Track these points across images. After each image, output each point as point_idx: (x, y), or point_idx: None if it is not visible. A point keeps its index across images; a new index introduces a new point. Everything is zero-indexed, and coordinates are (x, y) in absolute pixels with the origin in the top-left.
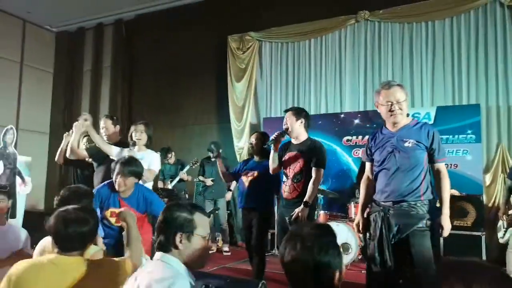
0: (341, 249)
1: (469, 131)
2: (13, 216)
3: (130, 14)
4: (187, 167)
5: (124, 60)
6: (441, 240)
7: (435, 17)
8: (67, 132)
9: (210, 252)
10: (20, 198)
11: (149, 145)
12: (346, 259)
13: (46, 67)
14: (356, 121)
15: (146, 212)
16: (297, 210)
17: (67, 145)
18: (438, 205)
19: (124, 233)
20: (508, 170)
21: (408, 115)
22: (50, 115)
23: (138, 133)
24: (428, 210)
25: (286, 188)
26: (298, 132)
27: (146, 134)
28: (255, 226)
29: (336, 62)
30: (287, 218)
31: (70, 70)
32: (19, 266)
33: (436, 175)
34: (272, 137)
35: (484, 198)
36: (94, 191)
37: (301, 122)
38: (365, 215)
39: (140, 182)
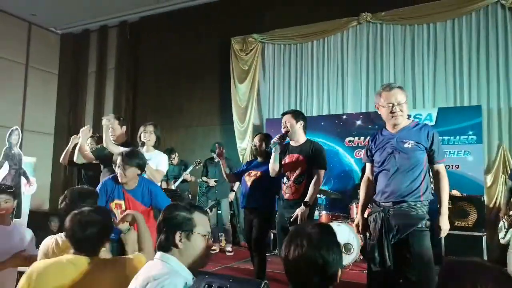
0: (343, 249)
1: (471, 132)
2: (18, 216)
3: (134, 16)
4: (190, 168)
5: (128, 62)
6: (442, 240)
7: (436, 19)
8: (74, 135)
9: (213, 252)
10: (25, 198)
11: (157, 146)
12: (348, 259)
13: (51, 68)
14: (358, 122)
15: (151, 205)
16: (297, 210)
17: (73, 148)
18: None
19: (122, 234)
20: (509, 171)
21: (409, 116)
22: (55, 116)
23: (147, 134)
24: (427, 211)
25: (287, 190)
26: (298, 134)
27: (155, 135)
28: (256, 225)
29: (338, 63)
30: (287, 218)
31: (75, 71)
32: (40, 265)
33: (435, 176)
34: (273, 140)
35: (485, 198)
36: (99, 186)
37: (300, 124)
38: (365, 216)
39: None
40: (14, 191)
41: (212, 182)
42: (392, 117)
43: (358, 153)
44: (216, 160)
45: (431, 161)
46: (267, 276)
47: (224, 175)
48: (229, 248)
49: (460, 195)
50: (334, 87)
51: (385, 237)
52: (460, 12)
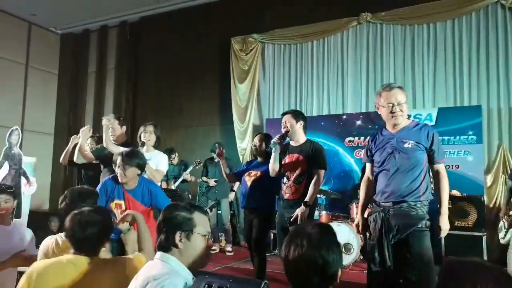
0: (343, 249)
1: (471, 132)
2: (18, 216)
3: (134, 16)
4: (190, 168)
5: (128, 62)
6: (442, 240)
7: (436, 19)
8: (74, 135)
9: (213, 252)
10: (25, 198)
11: (157, 146)
12: (348, 259)
13: (51, 68)
14: (358, 122)
15: (151, 205)
16: (297, 210)
17: (73, 148)
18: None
19: (122, 234)
20: (509, 171)
21: (409, 116)
22: (55, 116)
23: (147, 134)
24: (427, 211)
25: (287, 190)
26: (298, 134)
27: (155, 135)
28: (256, 225)
29: (338, 63)
30: (287, 218)
31: (75, 71)
32: (40, 265)
33: (435, 176)
34: (273, 140)
35: (485, 198)
36: (99, 186)
37: (300, 124)
38: (365, 216)
39: None
40: (14, 191)
41: (212, 182)
42: (392, 117)
43: (358, 153)
44: (216, 160)
45: (431, 161)
46: (267, 276)
47: (224, 175)
48: (229, 248)
49: (460, 195)
50: (334, 87)
51: (385, 237)
52: (460, 12)
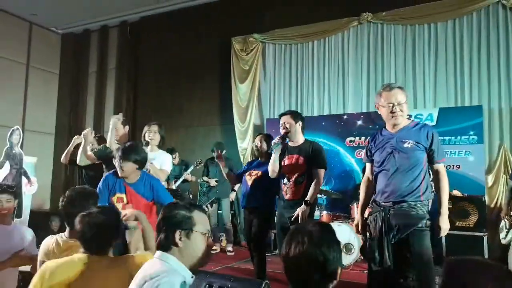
0: (344, 250)
1: (471, 132)
2: (19, 216)
3: (134, 16)
4: (191, 168)
5: (129, 62)
6: (443, 241)
7: (437, 19)
8: (76, 136)
9: (214, 252)
10: (26, 198)
11: (161, 145)
12: (349, 259)
13: (52, 68)
14: (359, 122)
15: (153, 200)
16: (298, 209)
17: (74, 148)
18: None
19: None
20: (510, 171)
21: (410, 116)
22: (55, 116)
23: (152, 134)
24: (427, 210)
25: (288, 190)
26: (297, 134)
27: (159, 134)
28: (255, 225)
29: (339, 63)
30: (288, 217)
31: (76, 71)
32: (52, 264)
33: (435, 176)
34: (274, 141)
35: (486, 199)
36: (101, 181)
37: (299, 125)
38: (365, 215)
39: None
40: (15, 191)
41: (213, 182)
42: (392, 117)
43: (359, 153)
44: (217, 160)
45: (431, 161)
46: (268, 276)
47: (225, 175)
48: (230, 248)
49: (461, 195)
50: (335, 87)
51: (385, 237)
52: (461, 12)
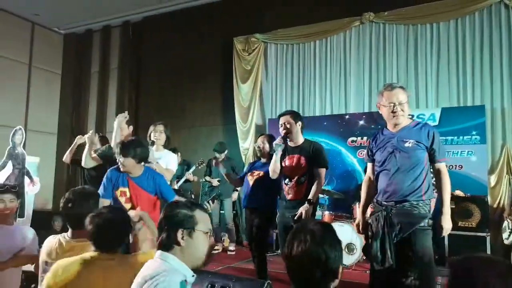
0: (346, 250)
1: (474, 132)
2: (22, 215)
3: (137, 16)
4: (193, 168)
5: (131, 62)
6: (446, 241)
7: (440, 18)
8: (79, 136)
9: (216, 251)
10: (28, 198)
11: (167, 145)
12: (351, 259)
13: (54, 68)
14: (361, 122)
15: (156, 195)
16: (301, 208)
17: (77, 147)
18: None
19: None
20: None
21: (412, 116)
22: (58, 116)
23: (157, 133)
24: (429, 210)
25: (289, 191)
26: (297, 135)
27: (165, 134)
28: (257, 225)
29: (341, 63)
30: (291, 216)
31: (78, 71)
32: (64, 261)
33: (436, 175)
34: (276, 142)
35: (489, 199)
36: (104, 177)
37: (299, 125)
38: (367, 215)
39: None
40: (17, 191)
41: (215, 182)
42: (393, 116)
43: (361, 153)
44: (219, 160)
45: (432, 160)
46: (270, 276)
47: (225, 177)
48: (231, 248)
49: (464, 195)
50: (336, 87)
51: (388, 236)
52: (463, 12)
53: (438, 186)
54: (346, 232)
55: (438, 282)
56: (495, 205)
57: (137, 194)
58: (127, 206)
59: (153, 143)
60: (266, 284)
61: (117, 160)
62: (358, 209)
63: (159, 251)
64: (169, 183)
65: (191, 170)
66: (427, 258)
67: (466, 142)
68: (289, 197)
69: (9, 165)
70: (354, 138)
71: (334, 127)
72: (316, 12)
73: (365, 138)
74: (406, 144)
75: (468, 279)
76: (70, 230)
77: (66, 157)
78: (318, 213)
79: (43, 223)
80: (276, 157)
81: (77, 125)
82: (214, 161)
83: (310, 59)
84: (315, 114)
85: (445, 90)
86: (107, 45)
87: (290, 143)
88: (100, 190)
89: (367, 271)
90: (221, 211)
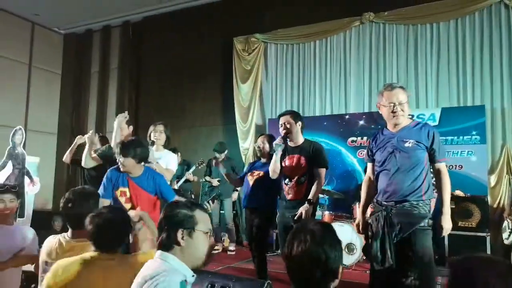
0: (346, 250)
1: (474, 132)
2: (22, 215)
3: (137, 16)
4: (193, 168)
5: (131, 62)
6: (446, 241)
7: (440, 18)
8: (79, 135)
9: (216, 252)
10: (28, 198)
11: (167, 145)
12: (351, 259)
13: (54, 68)
14: (361, 122)
15: (156, 194)
16: (301, 208)
17: (77, 147)
18: None
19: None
20: None
21: (412, 116)
22: (58, 116)
23: (157, 133)
24: (429, 210)
25: (290, 190)
26: (297, 135)
27: (165, 134)
28: (256, 225)
29: (341, 63)
30: (291, 216)
31: (78, 71)
32: (64, 261)
33: (436, 175)
34: (276, 142)
35: (489, 199)
36: (104, 177)
37: (299, 125)
38: (367, 215)
39: None
40: (17, 191)
41: (215, 182)
42: (393, 116)
43: (361, 153)
44: (219, 160)
45: (432, 160)
46: (270, 276)
47: (225, 177)
48: (231, 248)
49: (464, 195)
50: (336, 87)
51: (388, 236)
52: (463, 12)
53: (438, 186)
54: (346, 232)
55: (438, 282)
56: (495, 205)
57: (137, 194)
58: (127, 206)
59: (153, 143)
60: (266, 284)
61: (117, 160)
62: (358, 209)
63: (159, 251)
64: (169, 183)
65: (191, 170)
66: (427, 258)
67: (466, 142)
68: (289, 197)
69: (9, 165)
70: (354, 138)
71: (334, 127)
72: (316, 12)
73: (365, 138)
74: (406, 144)
75: (468, 279)
76: (70, 230)
77: (66, 157)
78: (318, 213)
79: (43, 223)
80: (276, 157)
81: (77, 125)
82: (214, 161)
83: (310, 59)
84: (315, 114)
85: (445, 90)
86: (107, 45)
87: (290, 143)
88: (100, 190)
89: (367, 271)
90: (221, 211)
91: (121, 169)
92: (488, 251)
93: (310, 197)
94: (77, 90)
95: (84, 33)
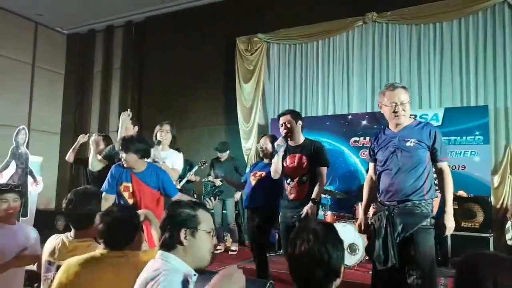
0: (349, 250)
1: (477, 133)
2: (25, 215)
3: (140, 16)
4: (196, 168)
5: (133, 61)
6: (449, 241)
7: (442, 18)
8: (82, 135)
9: (218, 251)
10: (31, 197)
11: (173, 145)
12: (353, 259)
13: (58, 68)
14: (364, 122)
15: (159, 190)
16: (306, 208)
17: (79, 146)
18: None
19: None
20: None
21: (415, 116)
22: (61, 115)
23: (164, 133)
24: (432, 209)
25: (292, 190)
26: (298, 134)
27: (171, 134)
28: (257, 226)
29: (344, 63)
30: (295, 216)
31: (81, 71)
32: (75, 259)
33: (439, 175)
34: (278, 143)
35: (492, 199)
36: (109, 173)
37: (299, 125)
38: (369, 215)
39: None
40: (21, 190)
41: (218, 182)
42: (395, 116)
43: (364, 153)
44: (222, 160)
45: (434, 159)
46: (272, 276)
47: (226, 182)
48: (233, 248)
49: (467, 195)
50: (339, 87)
51: (390, 236)
52: (466, 12)
53: (441, 186)
54: (348, 232)
55: (441, 283)
56: (498, 206)
57: (140, 189)
58: (130, 201)
59: (159, 142)
60: (268, 284)
61: (120, 157)
62: (360, 209)
63: (160, 251)
64: (174, 182)
65: (193, 171)
66: (429, 258)
67: (469, 142)
68: (291, 197)
69: (13, 165)
70: (357, 138)
71: (337, 127)
72: (319, 12)
73: (367, 138)
74: (408, 144)
75: (473, 276)
76: (73, 231)
77: (69, 156)
78: (321, 213)
79: (46, 223)
80: (278, 157)
81: (80, 124)
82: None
83: (312, 59)
84: (317, 114)
85: (448, 90)
86: (110, 45)
87: (290, 143)
88: (104, 186)
89: (369, 272)
90: (223, 211)
91: (124, 165)
92: None
93: (313, 196)
94: (80, 90)
95: (87, 33)
